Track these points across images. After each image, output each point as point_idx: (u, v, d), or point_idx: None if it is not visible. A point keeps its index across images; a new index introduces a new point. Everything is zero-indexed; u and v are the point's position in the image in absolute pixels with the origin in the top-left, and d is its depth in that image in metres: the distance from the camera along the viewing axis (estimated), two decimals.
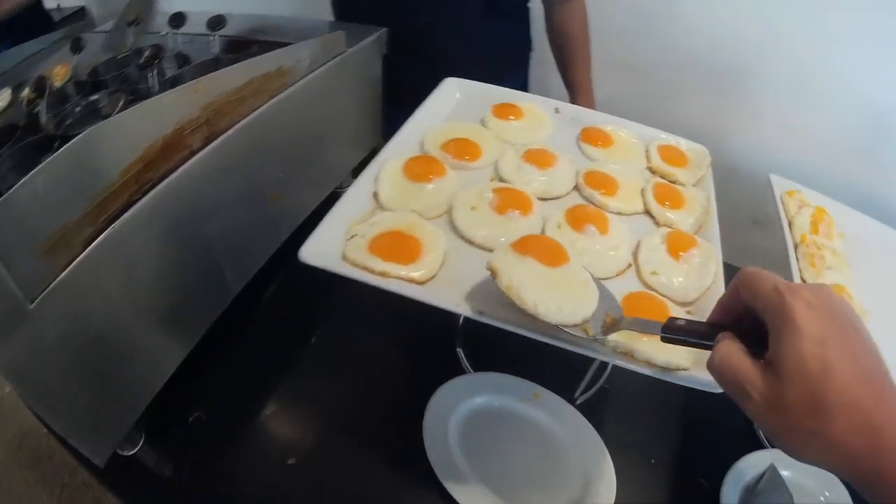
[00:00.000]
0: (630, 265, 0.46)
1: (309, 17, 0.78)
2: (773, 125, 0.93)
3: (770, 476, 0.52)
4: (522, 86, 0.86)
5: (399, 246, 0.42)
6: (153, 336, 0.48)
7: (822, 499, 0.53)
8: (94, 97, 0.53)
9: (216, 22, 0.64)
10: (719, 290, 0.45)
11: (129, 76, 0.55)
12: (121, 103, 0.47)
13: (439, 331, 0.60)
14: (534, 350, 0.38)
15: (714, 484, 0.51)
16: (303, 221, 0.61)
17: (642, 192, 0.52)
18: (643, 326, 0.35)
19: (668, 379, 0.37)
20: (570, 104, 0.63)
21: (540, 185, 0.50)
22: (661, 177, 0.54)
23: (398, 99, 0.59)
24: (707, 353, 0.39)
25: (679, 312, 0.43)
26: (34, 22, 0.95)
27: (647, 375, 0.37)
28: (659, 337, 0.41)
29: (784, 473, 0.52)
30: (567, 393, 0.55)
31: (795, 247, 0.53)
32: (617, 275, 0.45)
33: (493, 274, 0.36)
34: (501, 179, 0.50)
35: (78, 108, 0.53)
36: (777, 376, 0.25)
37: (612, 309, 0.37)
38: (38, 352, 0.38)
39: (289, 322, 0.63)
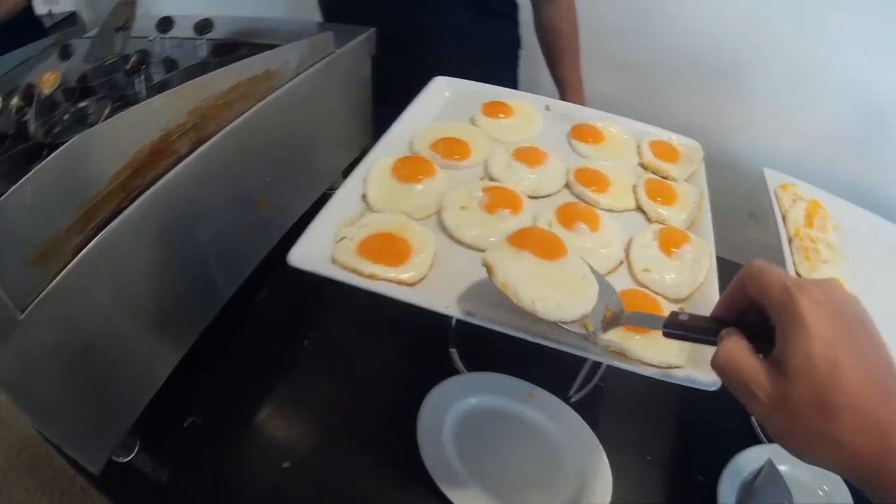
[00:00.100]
0: (622, 262, 0.46)
1: (297, 18, 0.78)
2: (769, 120, 0.93)
3: (768, 471, 0.52)
4: (512, 84, 0.86)
5: (388, 248, 0.42)
6: (145, 342, 0.48)
7: (821, 493, 0.53)
8: (83, 104, 0.53)
9: (203, 26, 0.64)
10: (712, 286, 0.45)
11: (117, 82, 0.56)
12: (107, 110, 0.47)
13: (433, 331, 0.61)
14: (529, 349, 0.38)
15: (711, 480, 0.51)
16: (294, 224, 0.62)
17: (634, 188, 0.52)
18: (644, 321, 0.34)
19: (662, 378, 0.37)
20: (561, 101, 0.63)
21: (530, 183, 0.50)
22: (653, 172, 0.55)
23: (388, 99, 0.60)
24: (701, 348, 0.40)
25: (672, 309, 0.43)
26: (25, 28, 0.95)
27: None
28: (660, 332, 0.41)
29: (782, 468, 0.53)
30: (562, 392, 0.55)
31: (790, 240, 0.54)
32: (608, 272, 0.45)
33: (489, 270, 0.36)
34: (491, 178, 0.51)
35: (66, 116, 0.53)
36: (784, 376, 0.24)
37: (612, 303, 0.37)
38: (30, 361, 0.39)
39: (281, 325, 0.64)
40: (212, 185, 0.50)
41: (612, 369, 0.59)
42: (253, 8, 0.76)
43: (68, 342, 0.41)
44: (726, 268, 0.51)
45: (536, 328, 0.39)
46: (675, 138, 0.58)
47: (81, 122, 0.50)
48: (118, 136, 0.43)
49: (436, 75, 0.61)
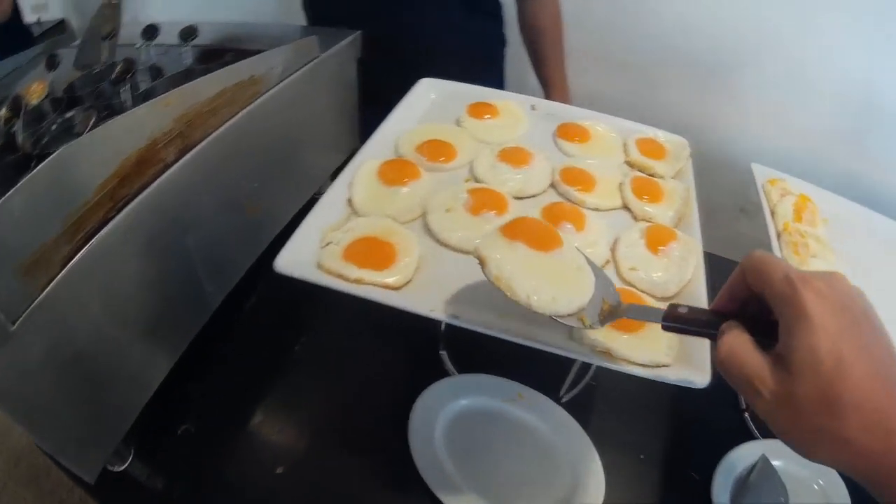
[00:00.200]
0: (608, 261, 0.47)
1: (284, 22, 0.79)
2: (760, 115, 0.94)
3: (762, 467, 0.53)
4: (499, 83, 0.86)
5: (373, 252, 0.43)
6: (136, 351, 0.49)
7: (816, 488, 0.54)
8: (70, 114, 0.54)
9: (188, 32, 0.66)
10: (700, 283, 0.46)
11: (103, 91, 0.57)
12: (92, 120, 0.48)
13: (424, 334, 0.62)
14: (520, 350, 0.39)
15: (705, 477, 0.52)
16: (283, 229, 0.63)
17: (620, 186, 0.53)
18: (643, 314, 0.34)
19: (649, 377, 0.38)
20: (547, 100, 0.64)
21: (516, 183, 0.51)
22: (640, 170, 0.55)
23: (375, 101, 0.61)
24: (690, 347, 0.41)
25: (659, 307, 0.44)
26: (14, 37, 0.96)
27: None
28: (647, 331, 0.42)
29: (776, 464, 0.53)
30: (553, 392, 0.56)
31: (778, 235, 0.54)
32: None
33: (481, 263, 0.35)
34: (477, 180, 0.52)
35: (54, 126, 0.54)
36: (788, 372, 0.24)
37: (608, 295, 0.36)
38: (23, 371, 0.40)
39: (272, 331, 0.65)
40: (199, 193, 0.51)
41: (602, 368, 0.60)
42: (240, 12, 0.77)
43: (60, 352, 0.42)
44: (718, 264, 0.52)
45: (521, 329, 0.40)
46: (661, 135, 0.59)
47: (68, 132, 0.52)
48: (104, 146, 0.44)
49: (422, 76, 0.62)
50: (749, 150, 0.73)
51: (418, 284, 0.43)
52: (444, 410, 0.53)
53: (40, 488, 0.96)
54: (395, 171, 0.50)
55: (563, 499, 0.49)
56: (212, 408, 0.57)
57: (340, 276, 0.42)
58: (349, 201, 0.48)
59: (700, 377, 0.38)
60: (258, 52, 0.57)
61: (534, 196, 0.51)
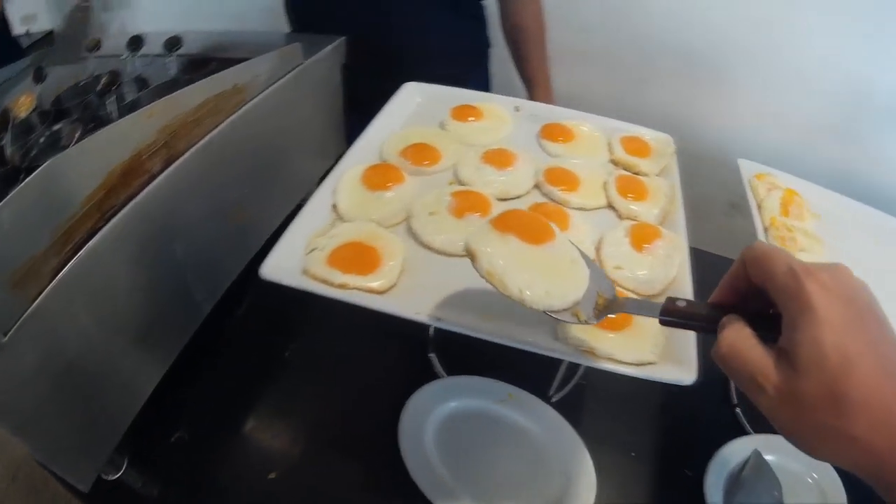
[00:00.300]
0: (593, 260, 0.48)
1: (269, 30, 0.80)
2: (750, 110, 0.95)
3: (755, 462, 0.54)
4: (484, 85, 0.87)
5: (358, 257, 0.44)
6: (128, 359, 0.51)
7: (810, 481, 0.55)
8: (57, 127, 0.56)
9: (173, 43, 0.67)
10: (685, 280, 0.47)
11: (90, 103, 0.58)
12: (77, 133, 0.50)
13: (413, 337, 0.63)
14: (509, 351, 0.39)
15: (698, 474, 0.53)
16: (271, 235, 0.64)
17: (604, 185, 0.54)
18: (639, 308, 0.33)
19: (635, 375, 0.39)
20: (532, 101, 0.65)
21: (500, 185, 0.52)
22: (625, 168, 0.57)
23: (361, 106, 0.62)
24: (674, 343, 0.41)
25: None
26: (2, 49, 0.98)
27: None
28: (632, 329, 0.43)
29: (769, 458, 0.54)
30: (544, 392, 0.57)
31: (766, 230, 0.55)
32: None
33: (472, 257, 0.34)
34: (461, 182, 0.53)
35: (42, 139, 0.56)
36: (792, 368, 0.24)
37: (603, 289, 0.35)
38: (15, 382, 0.41)
39: (262, 337, 0.66)
40: (185, 202, 0.52)
41: (592, 367, 0.61)
42: (227, 20, 0.79)
43: (52, 362, 0.44)
44: (708, 260, 0.53)
45: (506, 330, 0.41)
46: (646, 133, 0.60)
47: (56, 144, 0.53)
48: (90, 158, 0.45)
49: (407, 80, 0.63)
50: (740, 145, 0.74)
51: (403, 288, 0.44)
52: (435, 413, 0.55)
53: (38, 501, 0.97)
54: (380, 176, 0.51)
55: (554, 499, 0.50)
56: (204, 415, 0.58)
57: (325, 282, 0.43)
58: (334, 207, 0.50)
59: (686, 375, 0.39)
60: (242, 60, 0.58)
61: (518, 197, 0.52)
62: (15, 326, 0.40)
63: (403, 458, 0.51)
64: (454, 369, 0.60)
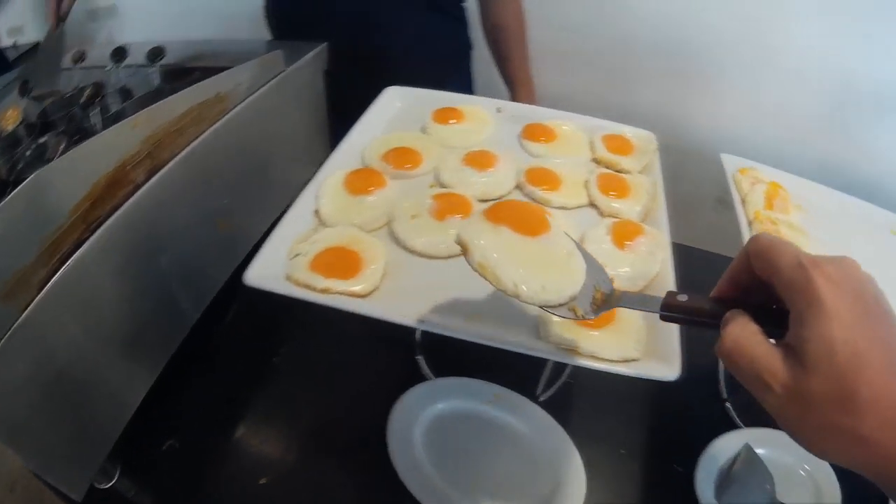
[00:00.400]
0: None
1: (255, 37, 0.82)
2: (735, 104, 0.96)
3: (746, 456, 0.55)
4: (467, 86, 0.89)
5: (340, 261, 0.46)
6: (117, 368, 0.52)
7: (803, 473, 0.55)
8: (43, 139, 0.58)
9: (156, 53, 0.69)
10: (668, 276, 0.48)
11: (75, 115, 0.60)
12: (62, 146, 0.52)
13: (401, 340, 0.64)
14: (497, 352, 0.40)
15: (688, 469, 0.54)
16: (257, 242, 0.66)
17: (586, 183, 0.55)
18: (638, 303, 0.33)
19: (619, 372, 0.40)
20: (513, 102, 0.66)
21: (481, 186, 0.54)
22: (607, 166, 0.58)
23: (346, 111, 0.64)
24: (657, 339, 0.42)
25: None
26: None
27: None
28: (616, 325, 0.44)
29: (759, 451, 0.55)
30: (532, 392, 0.59)
31: (750, 224, 0.57)
32: None
33: (464, 249, 0.34)
34: (442, 185, 0.54)
35: (28, 152, 0.58)
36: (801, 365, 0.23)
37: (601, 283, 0.34)
38: (6, 393, 0.43)
39: (250, 344, 0.68)
40: (170, 211, 0.54)
41: (578, 366, 0.62)
42: (213, 28, 0.80)
43: (42, 372, 0.45)
44: (698, 256, 0.54)
45: (488, 331, 0.42)
46: (628, 131, 0.62)
47: (41, 157, 0.55)
48: (74, 170, 0.47)
49: (390, 83, 0.65)
50: (728, 141, 0.75)
51: (387, 291, 0.46)
52: (422, 415, 0.56)
53: None
54: (361, 181, 0.52)
55: (544, 498, 0.51)
56: (195, 422, 0.60)
57: (308, 287, 0.44)
58: (316, 212, 0.51)
59: (669, 371, 0.40)
60: (225, 68, 0.60)
61: (499, 198, 0.54)
62: (5, 337, 0.42)
63: (392, 461, 0.53)
64: (442, 371, 0.61)
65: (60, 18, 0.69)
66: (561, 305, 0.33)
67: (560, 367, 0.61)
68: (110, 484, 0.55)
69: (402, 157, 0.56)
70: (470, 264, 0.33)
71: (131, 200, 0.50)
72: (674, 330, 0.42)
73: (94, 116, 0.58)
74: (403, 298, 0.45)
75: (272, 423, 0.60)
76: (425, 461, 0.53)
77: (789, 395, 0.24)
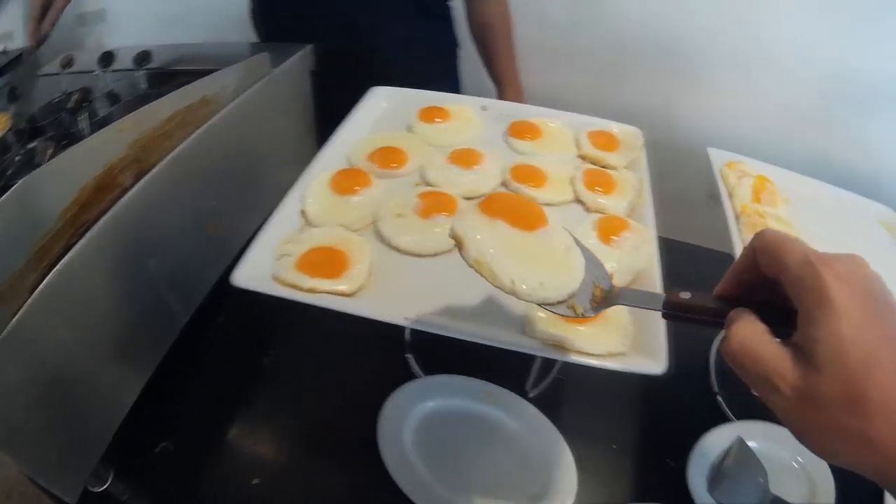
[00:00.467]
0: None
1: (244, 40, 0.83)
2: (725, 99, 0.97)
3: (738, 449, 0.55)
4: (454, 85, 0.90)
5: (326, 261, 0.47)
6: (108, 372, 0.53)
7: (795, 465, 0.56)
8: (32, 145, 0.59)
9: (142, 57, 0.70)
10: (653, 272, 0.49)
11: (63, 120, 0.62)
12: (50, 151, 0.53)
13: (391, 339, 0.65)
14: (487, 349, 0.41)
15: (680, 463, 0.54)
16: (245, 244, 0.67)
17: (572, 180, 0.56)
18: (639, 300, 0.32)
19: (606, 367, 0.41)
20: (499, 101, 0.67)
21: (466, 185, 0.55)
22: (593, 163, 0.59)
23: (333, 112, 0.65)
24: (644, 332, 0.43)
25: None
26: None
27: None
28: (606, 320, 0.45)
29: (751, 444, 0.55)
30: (522, 389, 0.60)
31: (737, 217, 0.57)
32: None
33: (458, 244, 0.33)
34: (428, 183, 0.55)
35: (18, 158, 0.59)
36: (810, 366, 0.23)
37: (600, 279, 0.34)
38: None
39: (242, 345, 0.69)
40: (158, 215, 0.55)
41: (567, 361, 0.63)
42: (201, 31, 0.81)
43: (33, 377, 0.46)
44: (689, 251, 0.55)
45: (474, 328, 0.43)
46: (614, 126, 0.62)
47: (30, 163, 0.56)
48: (62, 175, 0.48)
49: (377, 83, 0.66)
50: (718, 136, 0.76)
51: (372, 290, 0.46)
52: (413, 413, 0.57)
53: None
54: (347, 181, 0.54)
55: (536, 494, 0.52)
56: (188, 424, 0.61)
57: (294, 287, 0.45)
58: (303, 213, 0.52)
59: (657, 364, 0.41)
60: (211, 72, 0.61)
61: (485, 195, 0.55)
62: None
63: (383, 459, 0.54)
64: (432, 369, 0.62)
65: (39, 42, 0.71)
66: (560, 303, 0.33)
67: (549, 364, 0.62)
68: (104, 487, 0.56)
69: (387, 157, 0.57)
70: (465, 260, 0.33)
71: (119, 204, 0.51)
72: (660, 324, 0.43)
73: (83, 121, 0.60)
74: (390, 297, 0.46)
75: (264, 423, 0.61)
76: (416, 459, 0.54)
77: (798, 396, 0.23)
